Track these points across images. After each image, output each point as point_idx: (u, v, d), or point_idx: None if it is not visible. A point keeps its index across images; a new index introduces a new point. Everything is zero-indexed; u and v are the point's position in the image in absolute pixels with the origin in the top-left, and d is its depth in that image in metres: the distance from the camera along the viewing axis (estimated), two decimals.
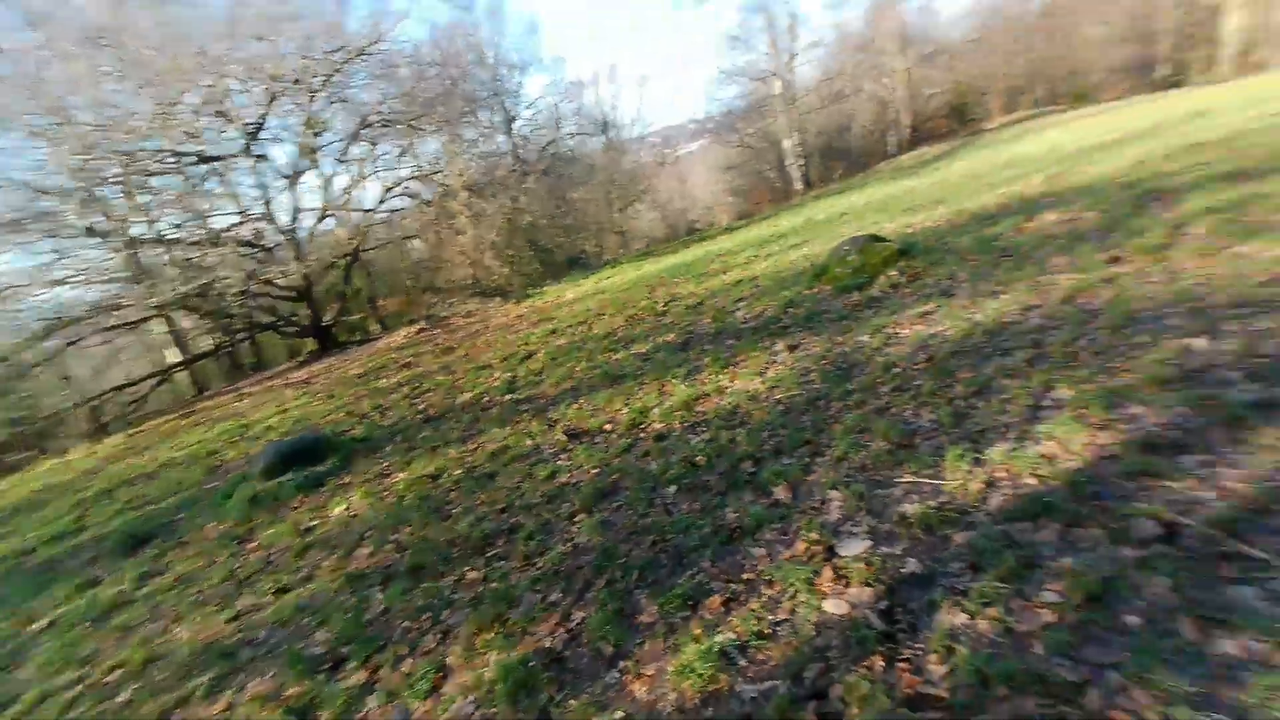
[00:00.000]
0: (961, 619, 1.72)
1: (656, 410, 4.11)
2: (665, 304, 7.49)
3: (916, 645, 1.70)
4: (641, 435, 3.84)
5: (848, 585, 2.00)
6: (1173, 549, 1.75)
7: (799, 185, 26.83)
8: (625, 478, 3.33)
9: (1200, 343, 2.83)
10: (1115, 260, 4.22)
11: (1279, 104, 8.99)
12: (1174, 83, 23.90)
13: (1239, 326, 2.86)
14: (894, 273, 5.57)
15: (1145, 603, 1.60)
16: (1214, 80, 20.59)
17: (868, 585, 1.97)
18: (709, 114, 31.76)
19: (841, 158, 29.01)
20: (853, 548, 2.17)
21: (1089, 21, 27.26)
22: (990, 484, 2.31)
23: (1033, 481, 2.24)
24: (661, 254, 14.92)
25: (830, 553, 2.18)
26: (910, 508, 2.29)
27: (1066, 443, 2.39)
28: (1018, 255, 5.00)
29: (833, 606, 1.93)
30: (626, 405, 4.39)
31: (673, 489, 3.03)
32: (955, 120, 29.02)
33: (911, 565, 2.01)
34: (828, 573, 2.08)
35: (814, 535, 2.29)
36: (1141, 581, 1.66)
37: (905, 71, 28.13)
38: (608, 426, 4.17)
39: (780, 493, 2.68)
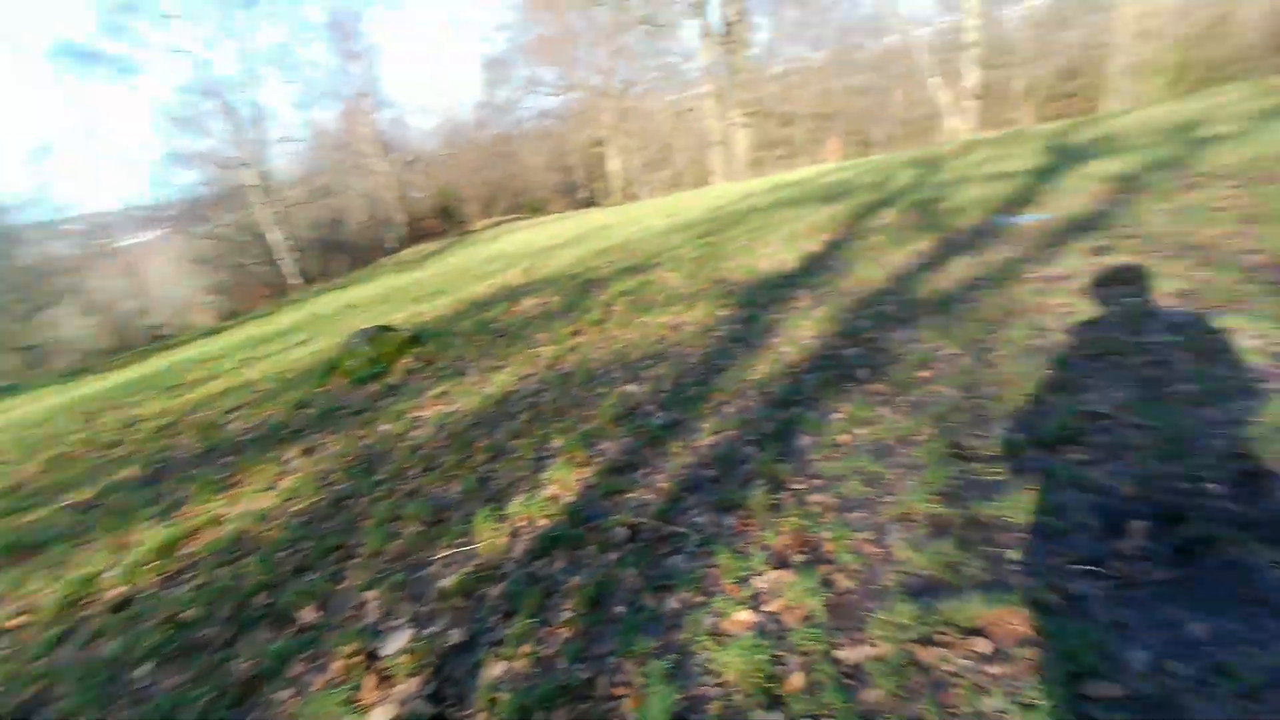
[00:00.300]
0: (501, 667, 1.83)
1: (112, 573, 3.02)
2: (118, 431, 5.72)
3: (465, 712, 1.71)
4: (86, 614, 2.75)
5: (393, 685, 1.87)
6: (636, 544, 2.29)
7: (297, 280, 24.98)
8: (56, 684, 2.30)
9: (632, 388, 3.87)
10: (576, 333, 5.40)
11: (649, 221, 13.34)
12: (590, 202, 32.78)
13: (649, 374, 4.04)
14: (409, 359, 5.72)
15: (625, 591, 2.03)
16: (612, 203, 29.14)
17: (414, 675, 1.88)
18: (166, 200, 26.70)
19: (343, 252, 28.59)
20: (395, 643, 2.05)
21: (527, 152, 35.03)
22: (514, 534, 2.56)
23: (545, 521, 2.60)
24: (109, 369, 11.44)
25: (372, 658, 2.01)
26: (448, 580, 2.33)
27: (563, 482, 2.87)
28: (510, 334, 5.86)
29: (380, 715, 1.77)
30: (56, 580, 3.09)
31: (148, 667, 2.26)
32: (446, 220, 32.44)
33: (455, 635, 2.03)
34: (370, 681, 1.89)
35: (351, 646, 2.06)
36: (621, 576, 2.11)
37: (392, 174, 29.98)
38: (18, 621, 2.83)
39: (307, 614, 2.34)
